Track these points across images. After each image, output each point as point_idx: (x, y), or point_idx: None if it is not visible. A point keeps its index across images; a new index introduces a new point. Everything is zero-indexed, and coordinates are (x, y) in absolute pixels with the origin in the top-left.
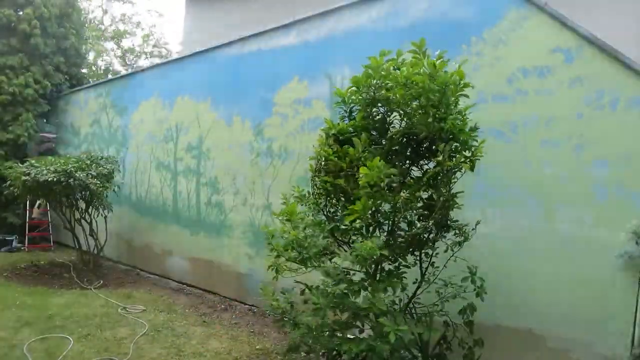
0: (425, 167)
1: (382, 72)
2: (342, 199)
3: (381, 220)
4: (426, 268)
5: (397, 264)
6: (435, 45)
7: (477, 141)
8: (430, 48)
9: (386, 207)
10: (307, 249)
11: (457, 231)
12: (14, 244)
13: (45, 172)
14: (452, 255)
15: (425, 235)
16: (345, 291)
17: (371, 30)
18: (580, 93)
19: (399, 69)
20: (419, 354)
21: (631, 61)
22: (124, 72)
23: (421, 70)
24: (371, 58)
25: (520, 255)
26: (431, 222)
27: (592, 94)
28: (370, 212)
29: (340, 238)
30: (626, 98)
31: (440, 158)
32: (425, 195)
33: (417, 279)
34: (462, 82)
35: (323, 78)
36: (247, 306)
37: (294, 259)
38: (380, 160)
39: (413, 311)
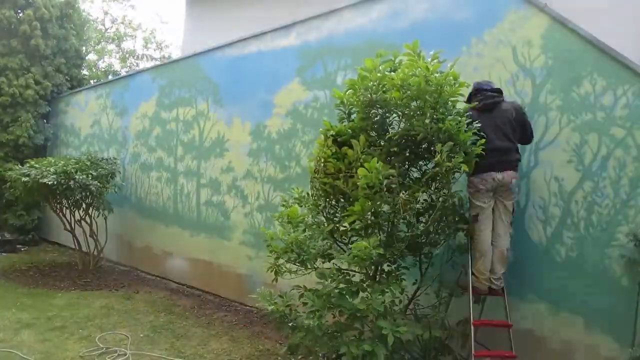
0: (425, 168)
1: (379, 74)
2: (342, 200)
3: (380, 222)
4: (426, 269)
5: (396, 265)
6: (435, 47)
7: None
8: (431, 49)
9: (385, 208)
10: (307, 251)
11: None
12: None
13: (45, 173)
14: (451, 258)
15: (425, 237)
16: (342, 292)
17: (371, 32)
18: (581, 93)
19: (395, 71)
20: (419, 355)
21: (631, 62)
22: (124, 73)
23: (416, 72)
24: (366, 60)
25: (520, 255)
26: (430, 223)
27: (592, 94)
28: (369, 213)
29: (340, 239)
30: (626, 98)
31: (438, 159)
32: (424, 196)
33: (416, 280)
34: (456, 82)
35: (323, 79)
36: (247, 307)
37: (293, 261)
38: (378, 162)
39: (413, 312)
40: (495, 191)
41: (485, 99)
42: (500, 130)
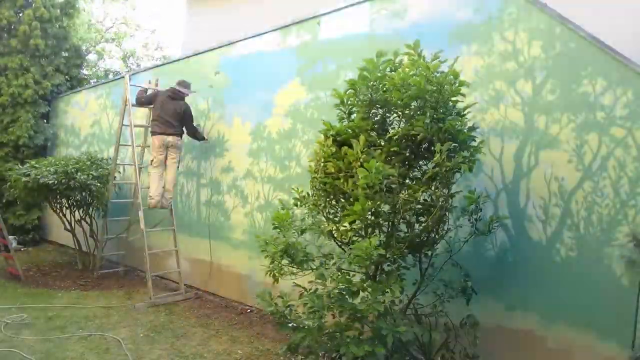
0: (425, 168)
1: (379, 74)
2: (342, 200)
3: (380, 222)
4: (426, 269)
5: (396, 265)
6: (435, 46)
7: (475, 141)
8: (431, 49)
9: (385, 208)
10: (296, 254)
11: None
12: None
13: (45, 173)
14: (450, 257)
15: (425, 236)
16: (342, 293)
17: (371, 32)
18: (581, 93)
19: (395, 70)
20: (420, 355)
21: (631, 61)
22: (124, 73)
23: (417, 72)
24: (367, 60)
25: (519, 255)
26: (430, 222)
27: (592, 94)
28: (369, 213)
29: (339, 239)
30: (626, 98)
31: (438, 159)
32: (424, 196)
33: (416, 280)
34: (457, 81)
35: (324, 79)
36: (247, 307)
37: (288, 264)
38: (378, 162)
39: (413, 312)
40: (167, 147)
41: (174, 91)
42: (173, 114)
